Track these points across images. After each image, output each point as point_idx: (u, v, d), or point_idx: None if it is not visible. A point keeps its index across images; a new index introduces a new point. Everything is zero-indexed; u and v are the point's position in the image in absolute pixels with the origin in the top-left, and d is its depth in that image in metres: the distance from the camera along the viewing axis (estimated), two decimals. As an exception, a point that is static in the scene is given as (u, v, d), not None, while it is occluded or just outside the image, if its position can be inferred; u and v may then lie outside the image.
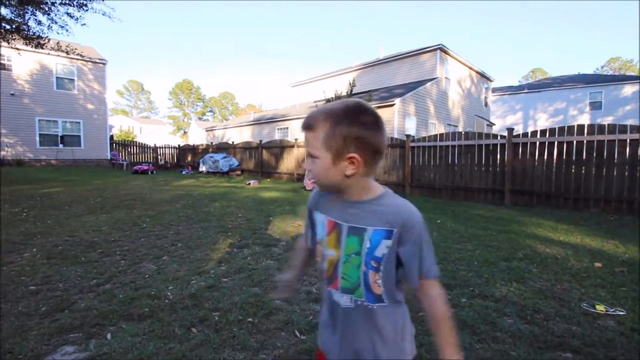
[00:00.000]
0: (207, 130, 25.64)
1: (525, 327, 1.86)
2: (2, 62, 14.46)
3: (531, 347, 1.68)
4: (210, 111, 67.31)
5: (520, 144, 6.40)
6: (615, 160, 5.35)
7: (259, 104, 66.50)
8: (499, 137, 6.78)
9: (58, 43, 9.82)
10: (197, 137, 36.32)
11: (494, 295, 2.28)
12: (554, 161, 6.00)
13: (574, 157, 5.79)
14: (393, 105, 12.25)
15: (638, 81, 19.86)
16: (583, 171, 5.69)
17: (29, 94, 15.35)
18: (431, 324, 0.76)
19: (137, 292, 2.28)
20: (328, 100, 11.18)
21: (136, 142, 20.80)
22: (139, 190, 7.88)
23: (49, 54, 13.85)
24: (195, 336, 1.76)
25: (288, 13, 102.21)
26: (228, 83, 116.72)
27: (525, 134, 6.54)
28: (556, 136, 5.98)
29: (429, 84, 13.99)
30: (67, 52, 9.98)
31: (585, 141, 5.68)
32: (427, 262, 0.75)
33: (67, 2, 8.90)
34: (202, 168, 14.99)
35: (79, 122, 16.68)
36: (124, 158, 17.82)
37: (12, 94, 14.84)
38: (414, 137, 8.45)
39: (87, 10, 9.23)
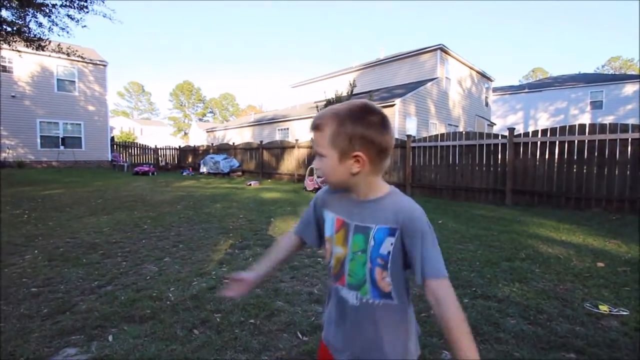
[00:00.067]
0: (207, 132, 25.69)
1: (529, 328, 1.86)
2: (3, 64, 14.51)
3: (534, 348, 1.67)
4: (210, 112, 67.37)
5: (522, 144, 6.39)
6: (617, 160, 5.34)
7: (260, 104, 66.68)
8: (500, 137, 6.77)
9: (59, 45, 9.84)
10: (198, 138, 36.37)
11: (496, 295, 2.27)
12: (556, 161, 5.99)
13: (575, 157, 5.79)
14: (393, 105, 12.25)
15: (639, 80, 19.82)
16: (584, 171, 5.69)
17: (30, 96, 15.37)
18: (443, 330, 0.70)
19: (139, 293, 2.28)
20: (328, 101, 11.17)
21: (137, 143, 20.86)
22: (140, 192, 7.89)
23: (49, 56, 13.91)
24: (197, 338, 1.76)
25: (288, 13, 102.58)
26: (228, 84, 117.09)
27: (526, 134, 6.53)
28: (557, 136, 5.97)
29: (429, 84, 13.98)
30: (67, 54, 10.04)
31: (586, 140, 5.67)
32: (431, 261, 0.71)
33: (67, 4, 8.95)
34: (203, 169, 14.99)
35: (79, 124, 16.70)
36: (124, 159, 17.85)
37: (13, 96, 14.86)
38: (414, 137, 8.43)
39: (87, 12, 9.27)
